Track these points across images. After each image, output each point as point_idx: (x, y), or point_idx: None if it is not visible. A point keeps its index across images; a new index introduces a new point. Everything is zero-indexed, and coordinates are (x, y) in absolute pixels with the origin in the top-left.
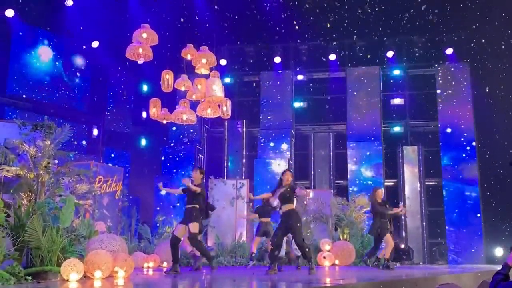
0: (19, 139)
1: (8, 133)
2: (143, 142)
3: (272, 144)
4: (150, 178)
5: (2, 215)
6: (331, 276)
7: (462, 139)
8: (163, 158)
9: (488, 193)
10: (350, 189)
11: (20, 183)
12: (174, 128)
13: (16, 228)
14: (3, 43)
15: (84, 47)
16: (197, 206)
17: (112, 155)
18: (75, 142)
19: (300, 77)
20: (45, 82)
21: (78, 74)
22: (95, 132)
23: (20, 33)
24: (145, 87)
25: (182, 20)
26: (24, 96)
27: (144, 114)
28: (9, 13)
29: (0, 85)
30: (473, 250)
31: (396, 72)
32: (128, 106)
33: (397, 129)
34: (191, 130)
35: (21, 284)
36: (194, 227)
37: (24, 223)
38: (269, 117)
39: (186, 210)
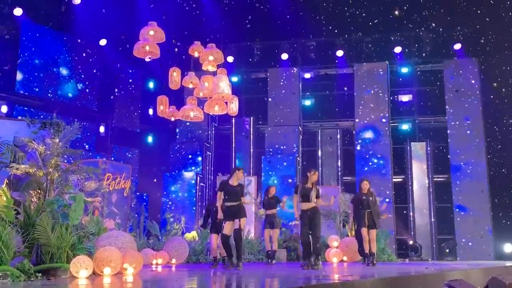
0: (28, 137)
1: (17, 131)
2: (151, 139)
3: (279, 140)
4: (158, 175)
5: (12, 212)
6: (340, 273)
7: (471, 135)
8: (177, 154)
9: (497, 189)
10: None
11: (29, 181)
12: (186, 122)
13: (25, 226)
14: (12, 41)
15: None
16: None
17: (125, 152)
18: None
19: (307, 74)
20: (53, 80)
21: (85, 70)
22: (103, 129)
23: (29, 31)
24: (151, 84)
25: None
26: (32, 93)
27: (151, 112)
28: (18, 11)
29: (9, 83)
30: (482, 246)
31: (404, 68)
32: (135, 103)
33: (405, 125)
34: (200, 127)
35: (31, 281)
36: (243, 222)
37: (34, 221)
38: (276, 114)
39: (232, 207)
